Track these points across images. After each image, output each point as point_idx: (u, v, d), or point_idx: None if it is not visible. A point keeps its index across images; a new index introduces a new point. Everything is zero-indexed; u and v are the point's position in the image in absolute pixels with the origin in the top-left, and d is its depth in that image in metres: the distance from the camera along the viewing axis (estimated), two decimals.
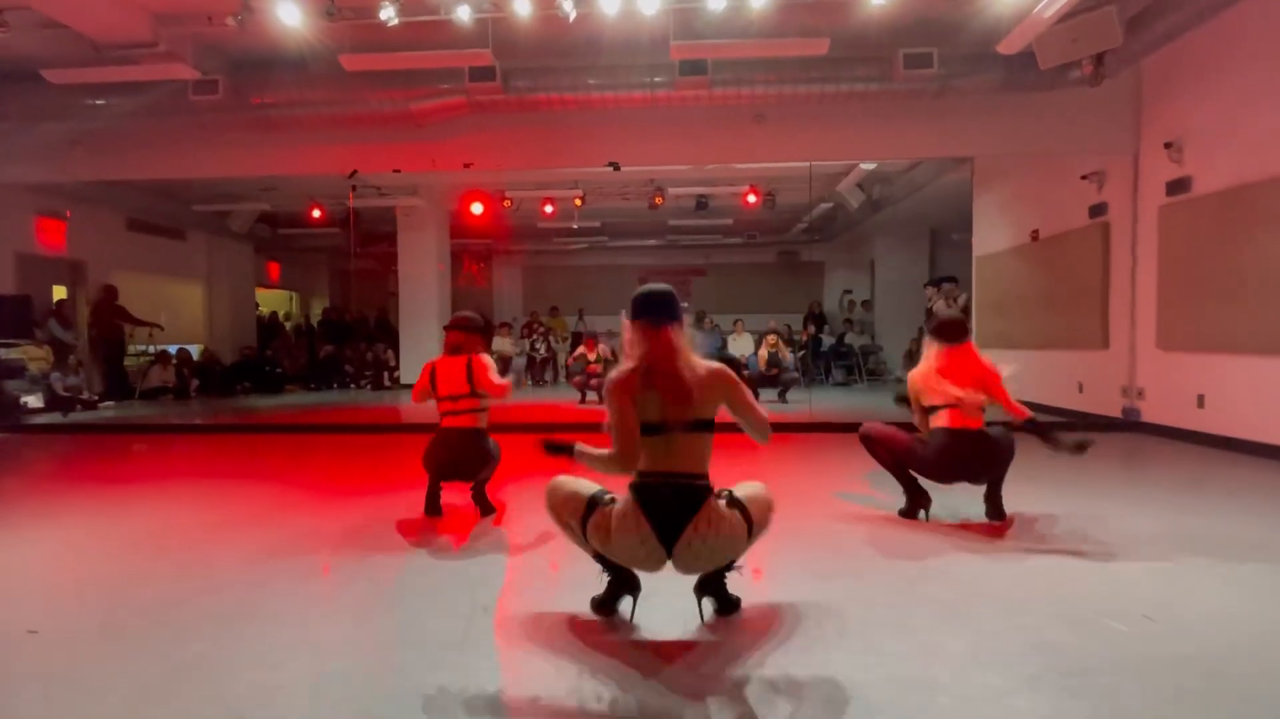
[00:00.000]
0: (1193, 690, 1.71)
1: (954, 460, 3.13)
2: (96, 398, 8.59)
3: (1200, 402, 5.37)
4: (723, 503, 2.00)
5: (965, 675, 1.77)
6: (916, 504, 3.26)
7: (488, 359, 3.29)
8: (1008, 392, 3.20)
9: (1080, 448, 3.04)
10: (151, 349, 9.78)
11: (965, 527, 3.13)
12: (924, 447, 3.19)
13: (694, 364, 2.00)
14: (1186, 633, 2.03)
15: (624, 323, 2.09)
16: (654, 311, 2.03)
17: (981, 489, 3.21)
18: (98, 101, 6.07)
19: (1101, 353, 6.48)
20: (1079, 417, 6.62)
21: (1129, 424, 6.09)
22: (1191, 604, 2.25)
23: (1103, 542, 2.89)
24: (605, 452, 2.01)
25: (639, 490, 1.98)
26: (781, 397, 8.11)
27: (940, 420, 3.16)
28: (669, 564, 1.97)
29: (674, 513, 1.94)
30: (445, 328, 3.41)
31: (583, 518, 2.02)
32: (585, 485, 2.11)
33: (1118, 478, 4.39)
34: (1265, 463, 4.57)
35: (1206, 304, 5.29)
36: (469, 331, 3.33)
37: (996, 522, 3.16)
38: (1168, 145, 5.62)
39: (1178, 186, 5.57)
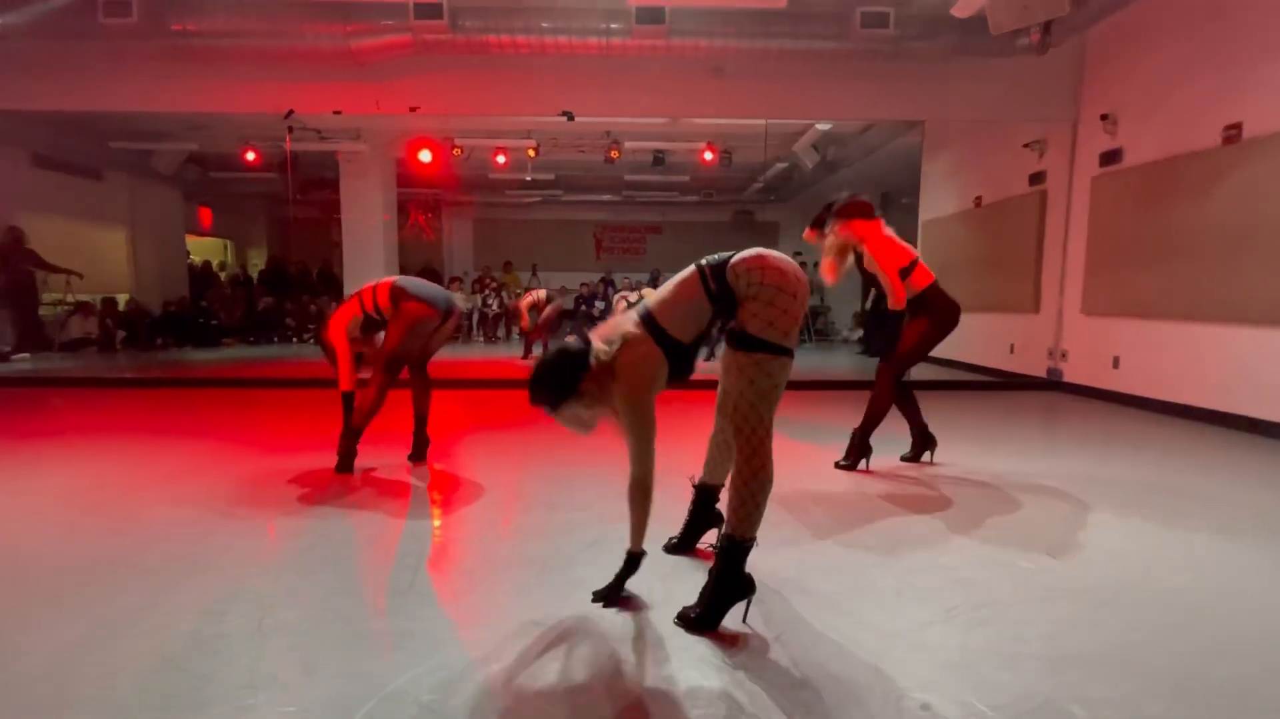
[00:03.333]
0: (1085, 618, 1.89)
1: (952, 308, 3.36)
2: (9, 349, 8.03)
3: (1116, 363, 5.75)
4: None
5: (890, 610, 1.91)
6: (858, 456, 3.45)
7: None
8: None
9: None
10: (71, 298, 9.14)
11: (896, 475, 3.31)
12: (923, 324, 3.32)
13: None
14: (1084, 569, 2.23)
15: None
16: None
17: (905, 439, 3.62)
18: None
19: (1032, 316, 6.82)
20: (1009, 377, 7.00)
21: (1052, 384, 6.49)
22: (1091, 544, 2.46)
23: (1018, 490, 3.12)
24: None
25: None
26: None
27: (923, 280, 3.34)
28: None
29: None
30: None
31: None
32: None
33: (1036, 433, 4.69)
34: (1170, 420, 4.97)
35: (1126, 272, 5.61)
36: None
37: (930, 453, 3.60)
38: (1104, 117, 5.83)
39: (1110, 158, 5.82)
